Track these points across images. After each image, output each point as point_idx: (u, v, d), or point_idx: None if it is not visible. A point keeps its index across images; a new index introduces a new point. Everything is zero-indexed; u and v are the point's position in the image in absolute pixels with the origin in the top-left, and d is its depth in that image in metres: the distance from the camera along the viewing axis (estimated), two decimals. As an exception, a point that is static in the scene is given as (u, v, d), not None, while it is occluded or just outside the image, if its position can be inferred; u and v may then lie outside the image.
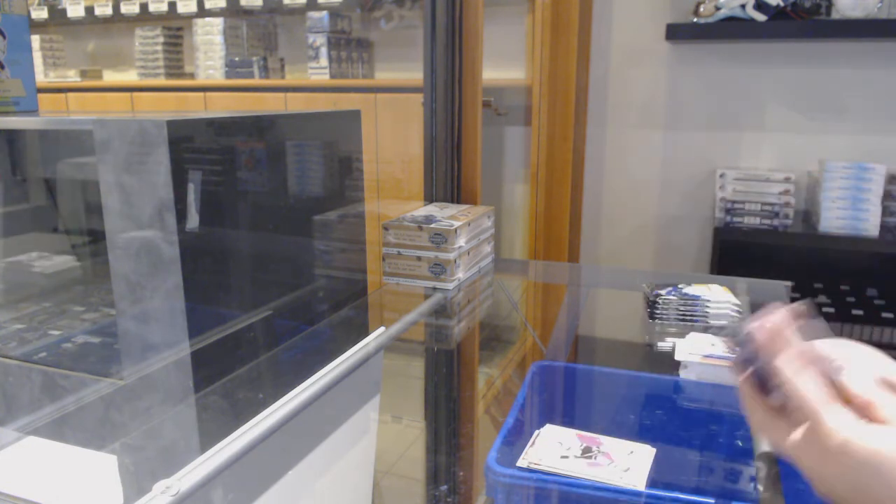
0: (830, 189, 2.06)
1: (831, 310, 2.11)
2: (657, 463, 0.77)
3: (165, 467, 0.58)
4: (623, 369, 0.98)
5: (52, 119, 1.13)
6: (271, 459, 0.65)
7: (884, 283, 2.27)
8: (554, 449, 0.79)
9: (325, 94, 2.68)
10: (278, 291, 1.12)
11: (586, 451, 0.79)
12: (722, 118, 2.40)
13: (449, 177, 1.59)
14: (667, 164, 2.51)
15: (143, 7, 3.09)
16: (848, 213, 2.05)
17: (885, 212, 2.06)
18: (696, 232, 2.52)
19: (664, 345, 1.09)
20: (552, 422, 0.86)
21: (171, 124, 0.87)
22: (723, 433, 0.90)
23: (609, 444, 0.80)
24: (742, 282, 1.36)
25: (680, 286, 1.23)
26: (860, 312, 2.08)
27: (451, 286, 1.30)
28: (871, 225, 2.04)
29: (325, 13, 2.75)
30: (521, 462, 0.77)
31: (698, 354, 0.97)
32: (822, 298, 2.20)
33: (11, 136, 1.38)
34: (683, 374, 0.96)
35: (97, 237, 1.44)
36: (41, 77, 3.24)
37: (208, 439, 0.63)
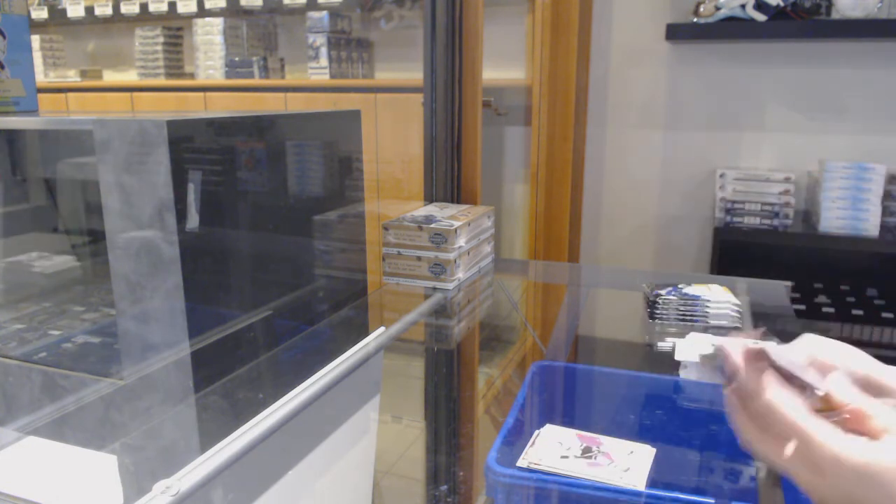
0: (830, 189, 2.06)
1: (831, 310, 2.11)
2: (657, 463, 0.77)
3: (165, 467, 0.58)
4: (623, 369, 0.98)
5: (52, 119, 1.13)
6: (271, 459, 0.65)
7: (884, 283, 2.27)
8: (554, 449, 0.79)
9: (325, 94, 2.68)
10: (278, 291, 1.12)
11: (586, 451, 0.79)
12: (722, 118, 2.40)
13: (449, 177, 1.59)
14: (667, 164, 2.51)
15: (143, 7, 3.09)
16: (848, 213, 2.05)
17: (885, 212, 2.06)
18: (696, 232, 2.52)
19: (664, 345, 1.09)
20: (552, 422, 0.86)
21: (171, 124, 0.87)
22: (723, 433, 0.90)
23: (609, 444, 0.80)
24: (742, 282, 1.36)
25: (680, 286, 1.23)
26: (860, 312, 2.08)
27: (451, 286, 1.30)
28: (871, 225, 2.04)
29: (325, 13, 2.75)
30: (521, 462, 0.77)
31: (698, 354, 0.97)
32: (822, 298, 2.20)
33: (11, 136, 1.38)
34: (683, 374, 0.96)
35: (97, 237, 1.44)
36: (41, 77, 3.24)
37: (208, 439, 0.63)
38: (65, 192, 1.45)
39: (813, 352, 0.50)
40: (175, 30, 3.18)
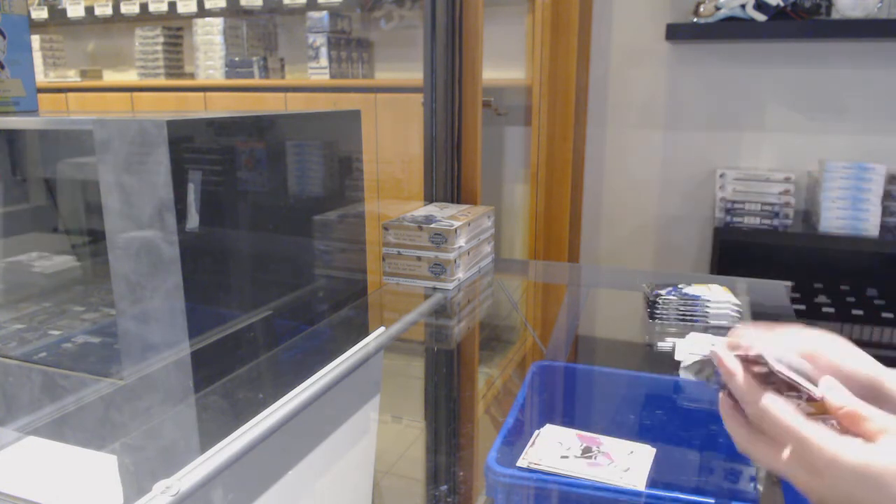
0: (830, 189, 2.06)
1: (831, 310, 2.11)
2: (657, 463, 0.77)
3: (165, 467, 0.58)
4: (623, 369, 0.98)
5: (52, 119, 1.13)
6: (271, 459, 0.65)
7: (884, 283, 2.27)
8: (554, 449, 0.79)
9: (325, 94, 2.68)
10: (278, 291, 1.12)
11: (586, 451, 0.79)
12: (722, 118, 2.40)
13: (449, 177, 1.59)
14: (667, 164, 2.51)
15: (143, 7, 3.09)
16: (848, 213, 2.05)
17: (885, 212, 2.06)
18: (696, 232, 2.52)
19: (664, 345, 1.09)
20: (552, 422, 0.86)
21: (171, 124, 0.87)
22: (723, 433, 0.90)
23: (609, 444, 0.80)
24: (742, 282, 1.36)
25: (680, 286, 1.23)
26: (860, 312, 2.08)
27: (451, 286, 1.30)
28: (871, 225, 2.04)
29: (325, 13, 2.74)
30: (521, 462, 0.77)
31: (698, 354, 0.97)
32: (822, 298, 2.20)
33: (11, 136, 1.38)
34: (683, 374, 0.96)
35: (97, 237, 1.44)
36: (41, 77, 3.24)
37: (208, 439, 0.63)
38: (65, 192, 1.45)
39: (808, 349, 0.50)
40: (175, 30, 3.18)
